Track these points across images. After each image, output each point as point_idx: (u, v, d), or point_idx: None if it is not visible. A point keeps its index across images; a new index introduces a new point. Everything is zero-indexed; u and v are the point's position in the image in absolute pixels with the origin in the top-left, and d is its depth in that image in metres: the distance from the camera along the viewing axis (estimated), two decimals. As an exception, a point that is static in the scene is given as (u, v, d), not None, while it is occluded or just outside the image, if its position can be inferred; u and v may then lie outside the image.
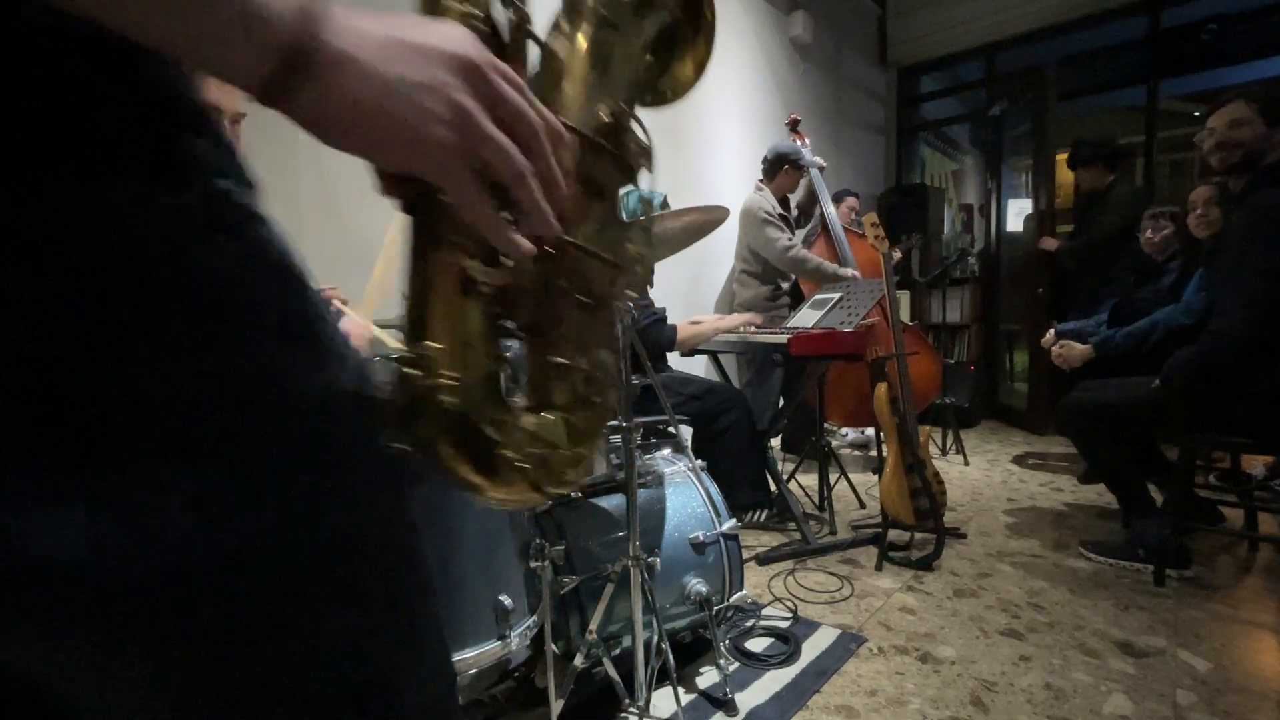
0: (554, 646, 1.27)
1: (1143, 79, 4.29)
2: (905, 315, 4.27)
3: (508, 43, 0.40)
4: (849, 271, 3.10)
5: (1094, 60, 4.55)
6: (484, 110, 0.33)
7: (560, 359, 0.41)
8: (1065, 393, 2.27)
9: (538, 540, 1.17)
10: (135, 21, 0.25)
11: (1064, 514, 2.63)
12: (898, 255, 3.43)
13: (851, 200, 3.80)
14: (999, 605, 1.84)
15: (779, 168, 3.13)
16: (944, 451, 3.60)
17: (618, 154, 0.43)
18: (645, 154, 0.45)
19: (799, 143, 3.22)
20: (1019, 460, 3.52)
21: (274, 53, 0.28)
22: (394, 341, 1.60)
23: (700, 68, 0.55)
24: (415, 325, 0.36)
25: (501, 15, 0.40)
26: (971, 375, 4.33)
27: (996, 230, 4.83)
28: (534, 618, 1.15)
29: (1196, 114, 5.17)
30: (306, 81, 0.29)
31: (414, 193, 0.35)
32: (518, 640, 1.09)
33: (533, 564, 1.14)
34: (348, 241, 2.01)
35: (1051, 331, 2.62)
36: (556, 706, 1.20)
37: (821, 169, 3.27)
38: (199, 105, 0.31)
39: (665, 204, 2.26)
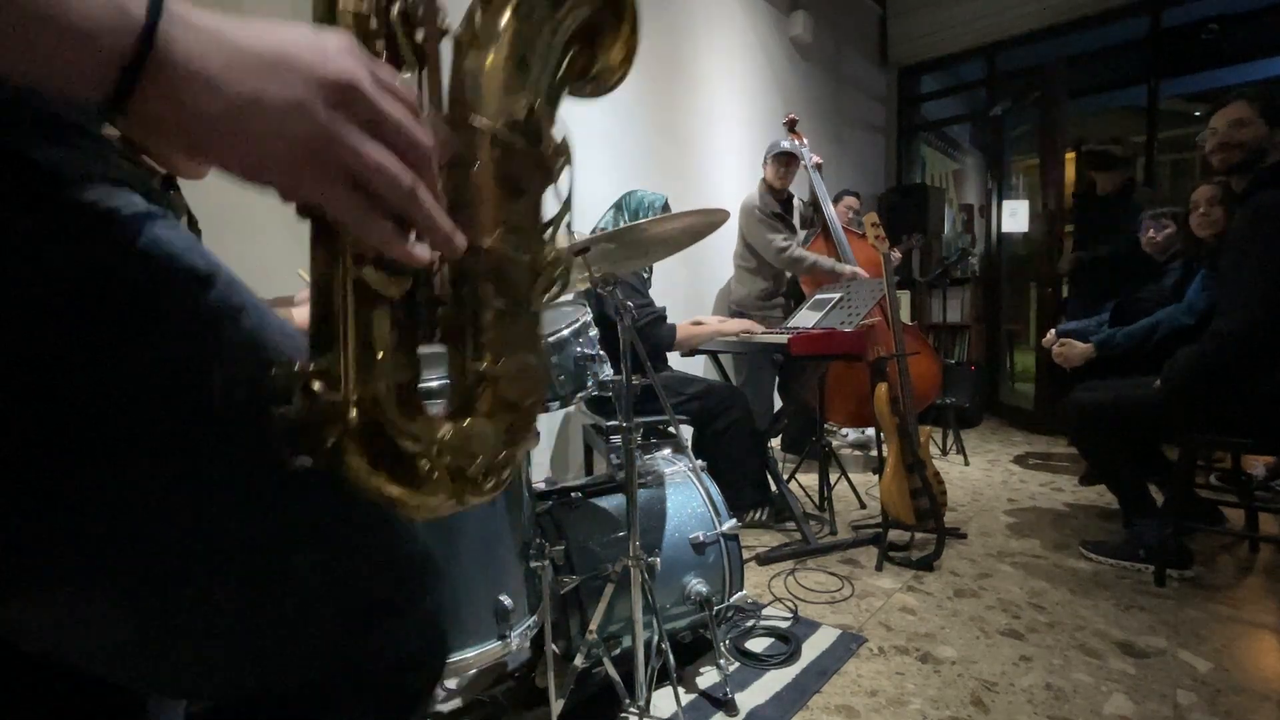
0: (554, 646, 1.27)
1: (1143, 79, 4.29)
2: (906, 315, 4.27)
3: (414, 41, 0.39)
4: (847, 267, 3.10)
5: (1095, 60, 4.55)
6: (356, 128, 0.32)
7: (479, 364, 0.40)
8: (1067, 393, 2.27)
9: (538, 540, 1.17)
10: None
11: (1064, 514, 2.63)
12: (898, 255, 3.42)
13: (851, 200, 3.80)
14: (999, 605, 1.84)
15: (764, 162, 3.15)
16: (944, 452, 3.60)
17: (533, 153, 0.42)
18: (563, 153, 0.44)
19: (797, 142, 3.22)
20: (1020, 460, 3.51)
21: (104, 68, 0.26)
22: None
23: (629, 53, 0.51)
24: (319, 337, 0.35)
25: (410, 10, 0.39)
26: (972, 375, 4.33)
27: (997, 230, 4.83)
28: (534, 618, 1.15)
29: (1197, 114, 5.18)
30: (144, 94, 0.27)
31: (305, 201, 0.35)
32: (518, 640, 1.09)
33: (533, 564, 1.14)
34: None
35: (1052, 331, 2.62)
36: (557, 707, 1.20)
37: (818, 166, 3.26)
38: (52, 111, 0.31)
39: (667, 206, 2.26)
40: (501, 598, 1.06)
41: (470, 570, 1.05)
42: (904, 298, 4.33)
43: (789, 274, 3.28)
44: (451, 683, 1.42)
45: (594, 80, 0.52)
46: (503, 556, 1.09)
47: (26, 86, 0.26)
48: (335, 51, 0.32)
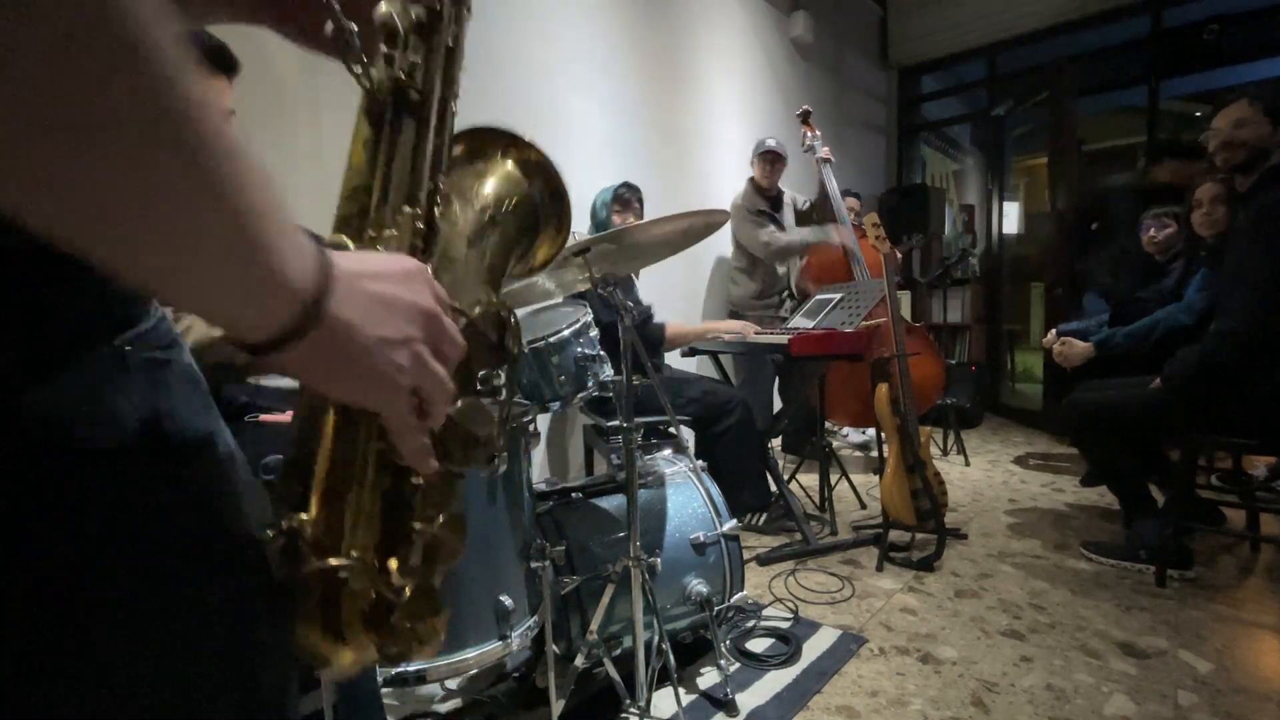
0: (555, 647, 1.27)
1: (1144, 79, 4.29)
2: (906, 316, 4.27)
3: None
4: (831, 228, 3.10)
5: (1095, 60, 4.54)
6: (431, 351, 0.35)
7: (415, 523, 0.40)
8: (1068, 393, 2.27)
9: (539, 541, 1.17)
10: (147, 275, 0.25)
11: (1065, 515, 2.62)
12: (899, 255, 3.43)
13: (852, 201, 3.80)
14: (1000, 606, 1.83)
15: (751, 161, 3.19)
16: (945, 452, 3.60)
17: (496, 343, 0.44)
18: (515, 338, 0.45)
19: (809, 134, 3.22)
20: (1020, 461, 3.51)
21: (285, 317, 0.29)
22: None
23: (554, 254, 0.58)
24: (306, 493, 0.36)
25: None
26: (973, 376, 4.33)
27: (998, 230, 4.83)
28: (535, 618, 1.15)
29: (1198, 114, 5.17)
30: (304, 341, 0.30)
31: None
32: (518, 640, 1.09)
33: (533, 564, 1.14)
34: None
35: (1053, 331, 2.62)
36: (557, 707, 1.20)
37: (827, 160, 3.25)
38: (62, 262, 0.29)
39: (618, 194, 2.30)
40: (502, 598, 1.06)
41: (471, 570, 1.05)
42: (904, 298, 4.33)
43: (782, 270, 3.28)
44: (452, 683, 1.42)
45: (528, 265, 0.58)
46: (503, 557, 1.09)
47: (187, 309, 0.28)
48: (421, 283, 0.35)
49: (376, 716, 0.94)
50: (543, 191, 0.53)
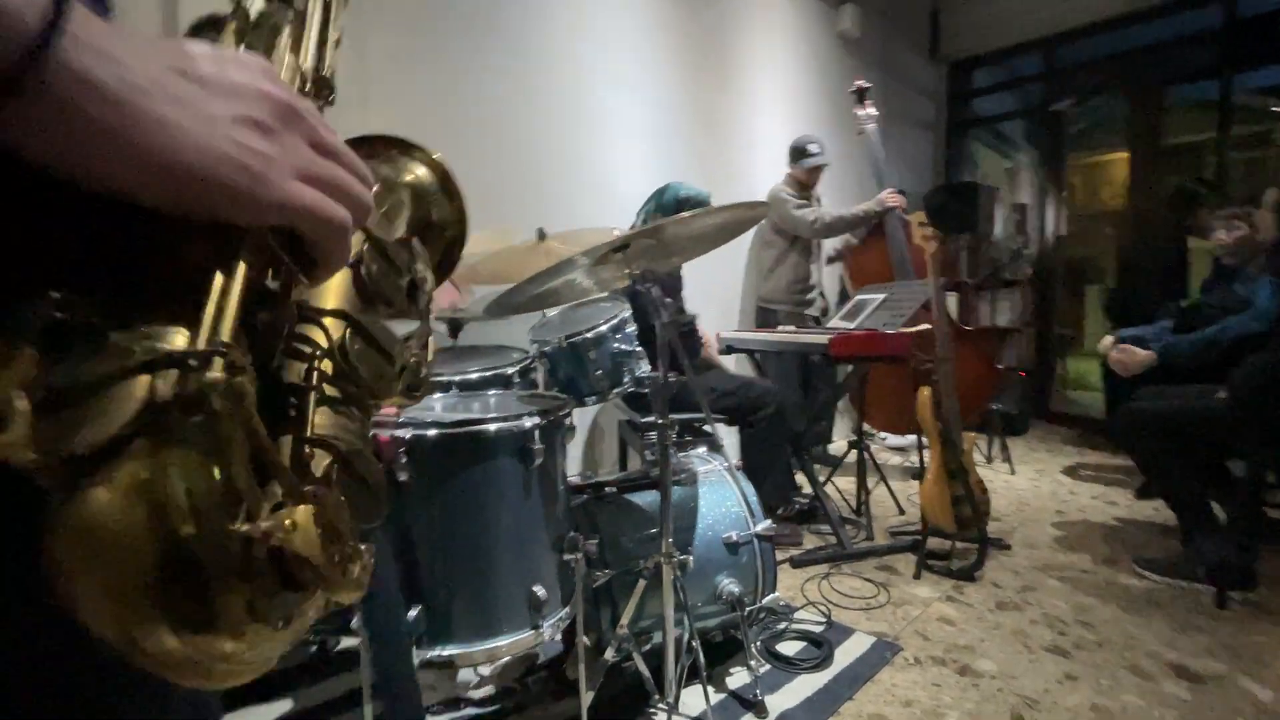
0: (585, 639, 1.28)
1: (1215, 72, 4.05)
2: (952, 318, 4.14)
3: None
4: (874, 201, 3.01)
5: (1162, 53, 4.31)
6: (306, 140, 0.30)
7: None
8: (1125, 401, 2.17)
9: (572, 533, 1.18)
10: None
11: (1117, 529, 2.51)
12: (945, 254, 3.33)
13: (897, 199, 3.70)
14: (1044, 620, 1.77)
15: (789, 160, 3.12)
16: (989, 459, 3.49)
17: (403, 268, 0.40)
18: (424, 262, 0.42)
19: (863, 111, 3.15)
20: (1070, 471, 3.38)
21: None
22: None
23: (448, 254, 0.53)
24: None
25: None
26: (1021, 381, 4.18)
27: (1053, 231, 4.64)
28: (567, 609, 1.16)
29: (1274, 109, 4.86)
30: (20, 100, 0.22)
31: None
32: (550, 630, 1.10)
33: (566, 556, 1.15)
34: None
35: (1109, 336, 2.51)
36: (587, 698, 1.22)
37: (881, 159, 3.17)
38: None
39: (706, 203, 2.25)
40: (535, 588, 1.07)
41: (505, 559, 1.06)
42: (951, 300, 4.20)
43: (813, 265, 3.22)
44: (485, 669, 1.45)
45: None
46: (537, 548, 1.11)
47: None
48: (257, 69, 0.29)
49: (414, 697, 0.96)
50: (440, 198, 0.50)
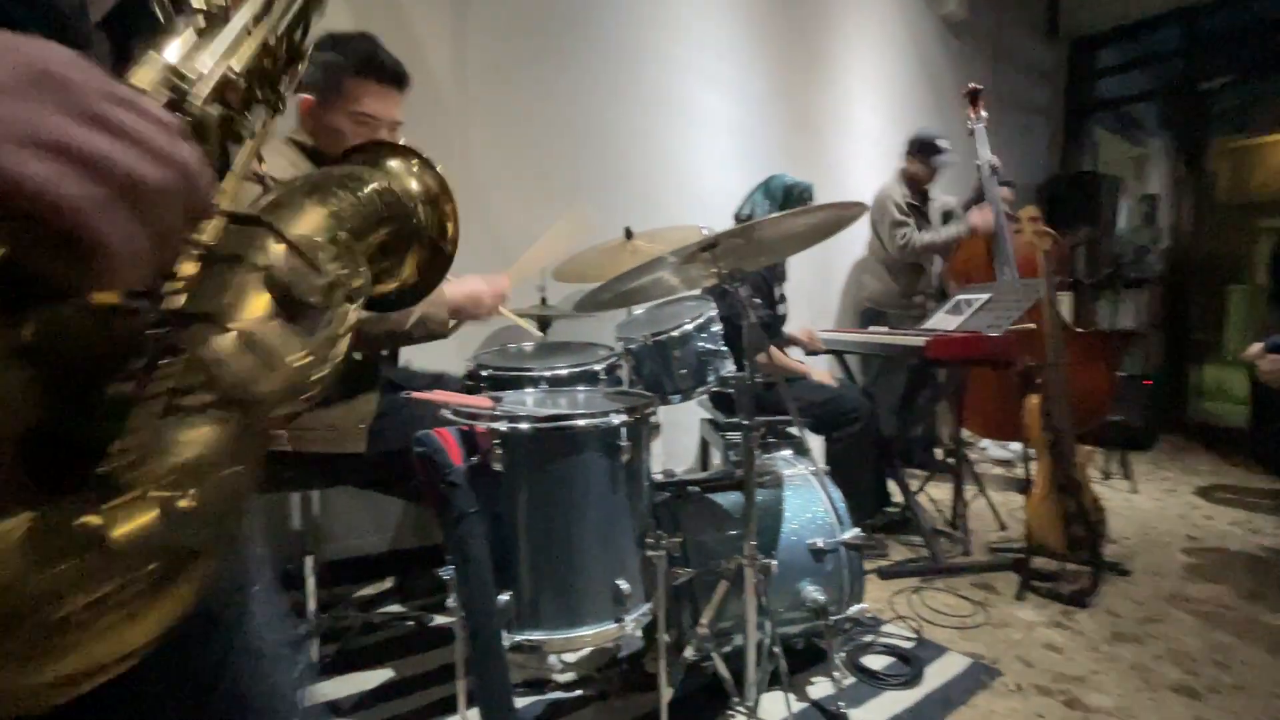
0: (666, 635, 1.29)
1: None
2: (1066, 320, 3.81)
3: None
4: (971, 214, 2.82)
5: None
6: (73, 110, 0.25)
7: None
8: (1276, 417, 1.92)
9: (655, 530, 1.19)
10: None
11: (1263, 560, 2.23)
12: (1060, 252, 3.06)
13: (1005, 191, 3.45)
14: (1170, 657, 1.60)
15: (909, 152, 2.94)
16: (1107, 475, 3.19)
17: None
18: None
19: (973, 116, 2.97)
20: (1205, 492, 3.02)
21: None
22: (533, 329, 1.69)
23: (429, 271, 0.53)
24: None
25: None
26: (1146, 390, 3.78)
27: (1191, 224, 4.16)
28: (648, 605, 1.17)
29: None
30: None
31: None
32: (632, 624, 1.12)
33: (649, 553, 1.16)
34: (493, 236, 2.16)
35: (1257, 344, 2.22)
36: (666, 694, 1.23)
37: (995, 169, 2.96)
38: None
39: (811, 194, 2.19)
40: (619, 582, 1.10)
41: (591, 551, 1.09)
42: (1065, 300, 3.87)
43: (931, 268, 3.06)
44: (569, 656, 1.49)
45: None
46: (622, 542, 1.13)
47: None
48: (35, 43, 0.25)
49: (503, 676, 1.01)
50: (428, 210, 0.51)
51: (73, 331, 0.28)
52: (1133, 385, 3.79)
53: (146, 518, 0.27)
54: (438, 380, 1.60)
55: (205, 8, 0.36)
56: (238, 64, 0.36)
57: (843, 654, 1.55)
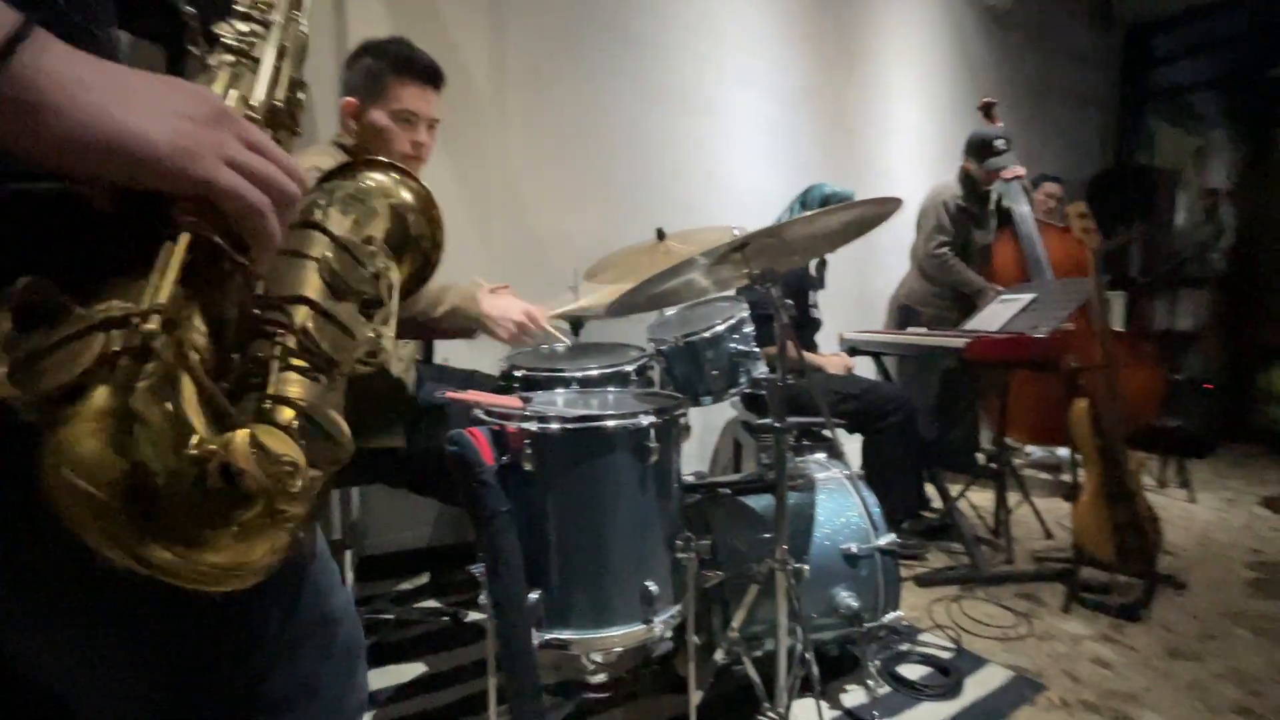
0: (695, 638, 1.28)
1: None
2: (1119, 322, 3.65)
3: None
4: (993, 291, 2.73)
5: None
6: (238, 139, 0.36)
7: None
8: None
9: (685, 532, 1.19)
10: None
11: (1337, 576, 2.09)
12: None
13: (1052, 187, 3.33)
14: (1231, 676, 1.52)
15: (966, 151, 2.85)
16: (1162, 484, 3.04)
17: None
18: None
19: (992, 127, 2.88)
20: (1271, 503, 2.85)
21: None
22: (561, 335, 1.70)
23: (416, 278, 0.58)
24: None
25: None
26: (1206, 395, 3.59)
27: (1259, 219, 3.93)
28: (678, 607, 1.17)
29: None
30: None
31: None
32: (661, 626, 1.12)
33: (679, 555, 1.16)
34: (528, 236, 2.19)
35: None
36: (695, 697, 1.22)
37: (1019, 177, 2.87)
38: None
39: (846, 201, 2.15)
40: (648, 583, 1.09)
41: (620, 552, 1.09)
42: (1116, 301, 3.70)
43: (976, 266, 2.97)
44: (598, 656, 1.50)
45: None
46: (651, 543, 1.13)
47: None
48: (201, 93, 0.37)
49: (532, 674, 1.02)
50: (419, 220, 0.55)
51: (230, 300, 0.38)
52: (1191, 389, 3.61)
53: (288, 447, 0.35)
54: (470, 378, 1.63)
55: (235, 44, 0.45)
56: (280, 93, 0.46)
57: (877, 662, 1.52)
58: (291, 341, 0.39)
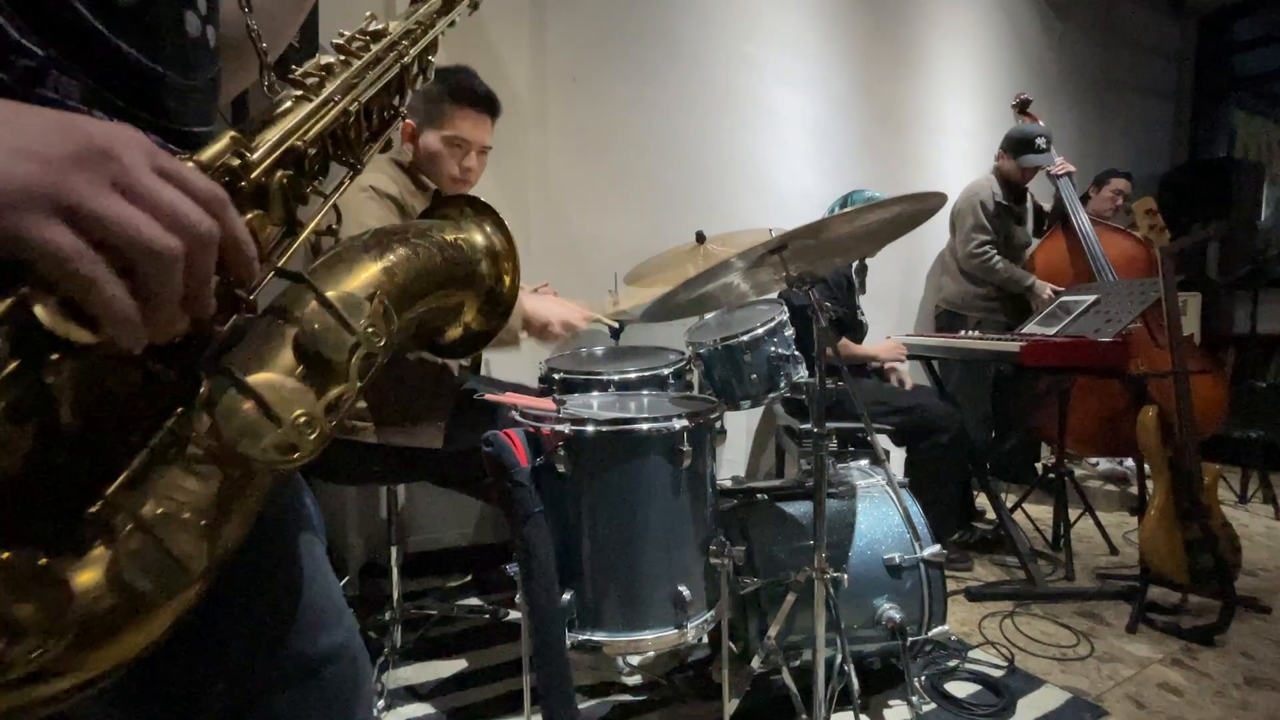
0: (731, 645, 1.27)
1: None
2: (1193, 326, 3.43)
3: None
4: (1046, 289, 2.59)
5: None
6: (100, 183, 0.28)
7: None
8: None
9: (720, 537, 1.18)
10: None
11: None
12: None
13: (1119, 183, 3.15)
14: (1320, 709, 1.40)
15: (1003, 148, 2.76)
16: (1244, 499, 2.83)
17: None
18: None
19: (1029, 123, 2.77)
20: (1371, 522, 2.62)
21: None
22: (605, 326, 1.71)
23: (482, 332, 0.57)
24: None
25: None
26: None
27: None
28: (712, 613, 1.16)
29: None
30: None
31: None
32: (694, 631, 1.11)
33: (713, 560, 1.15)
34: (568, 240, 2.22)
35: None
36: (730, 705, 1.20)
37: (1069, 174, 2.76)
38: None
39: None
40: (681, 588, 1.09)
41: (653, 555, 1.09)
42: (1191, 303, 3.47)
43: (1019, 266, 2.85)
44: (633, 659, 1.50)
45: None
46: (684, 548, 1.12)
47: None
48: (89, 126, 0.29)
49: (565, 674, 1.03)
50: (489, 263, 0.54)
51: (90, 380, 0.31)
52: (1275, 397, 3.35)
53: (106, 565, 0.30)
54: (514, 390, 1.65)
55: (303, 79, 0.43)
56: (314, 131, 0.41)
57: (923, 677, 1.47)
58: (184, 426, 0.33)
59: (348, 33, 0.48)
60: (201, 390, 0.34)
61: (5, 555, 0.28)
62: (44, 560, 0.29)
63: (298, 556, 0.47)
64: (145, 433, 0.33)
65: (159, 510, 0.31)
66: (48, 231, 0.27)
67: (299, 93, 0.42)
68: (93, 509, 0.30)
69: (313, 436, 0.35)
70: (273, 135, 0.39)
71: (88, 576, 0.30)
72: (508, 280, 0.56)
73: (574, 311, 1.47)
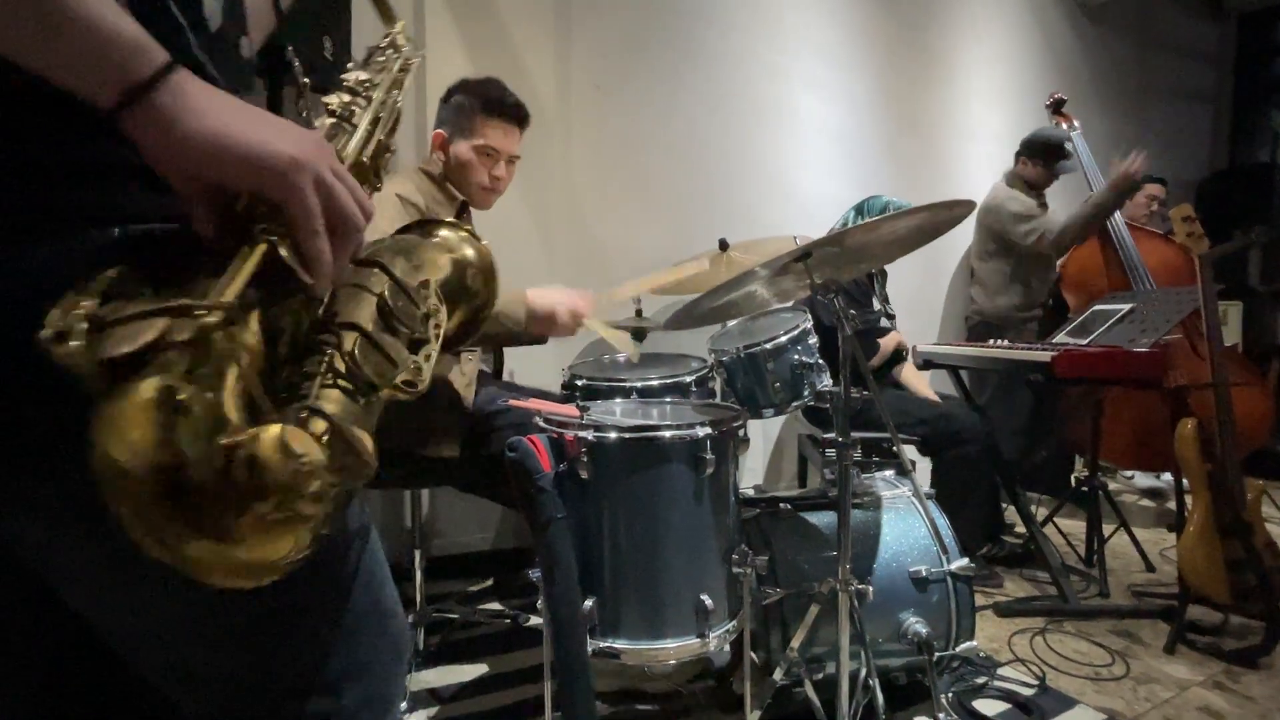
0: (753, 655, 1.25)
1: None
2: (1234, 336, 3.31)
3: None
4: (1111, 182, 2.49)
5: None
6: (329, 170, 0.41)
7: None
8: None
9: (742, 546, 1.17)
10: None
11: None
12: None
13: (1154, 188, 3.07)
14: (1374, 738, 1.33)
15: (1024, 155, 2.71)
16: (1290, 515, 2.72)
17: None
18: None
19: (1064, 126, 2.71)
20: None
21: (113, 94, 0.36)
22: (622, 343, 1.71)
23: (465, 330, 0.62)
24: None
25: None
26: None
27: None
28: (734, 622, 1.15)
29: None
30: (132, 113, 0.36)
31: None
32: (716, 641, 1.10)
33: (735, 569, 1.14)
34: (590, 247, 2.23)
35: None
36: (752, 717, 1.19)
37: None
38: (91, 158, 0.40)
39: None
40: (703, 597, 1.08)
41: (674, 564, 1.09)
42: (1232, 312, 3.36)
43: (1055, 276, 2.79)
44: (655, 669, 1.49)
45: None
46: (706, 557, 1.12)
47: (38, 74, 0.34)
48: (308, 133, 0.42)
49: (586, 680, 1.02)
50: (476, 277, 0.60)
51: (289, 316, 0.42)
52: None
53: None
54: (538, 395, 1.66)
55: (336, 109, 0.53)
56: (369, 152, 0.53)
57: (950, 694, 1.43)
58: (339, 362, 0.42)
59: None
60: (347, 339, 0.43)
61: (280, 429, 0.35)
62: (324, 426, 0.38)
63: (382, 562, 0.55)
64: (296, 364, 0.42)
65: (339, 416, 0.39)
66: (308, 191, 0.40)
67: (334, 120, 0.52)
68: (303, 411, 0.38)
69: (424, 374, 0.47)
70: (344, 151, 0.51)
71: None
72: (488, 298, 0.61)
73: (580, 299, 1.46)
